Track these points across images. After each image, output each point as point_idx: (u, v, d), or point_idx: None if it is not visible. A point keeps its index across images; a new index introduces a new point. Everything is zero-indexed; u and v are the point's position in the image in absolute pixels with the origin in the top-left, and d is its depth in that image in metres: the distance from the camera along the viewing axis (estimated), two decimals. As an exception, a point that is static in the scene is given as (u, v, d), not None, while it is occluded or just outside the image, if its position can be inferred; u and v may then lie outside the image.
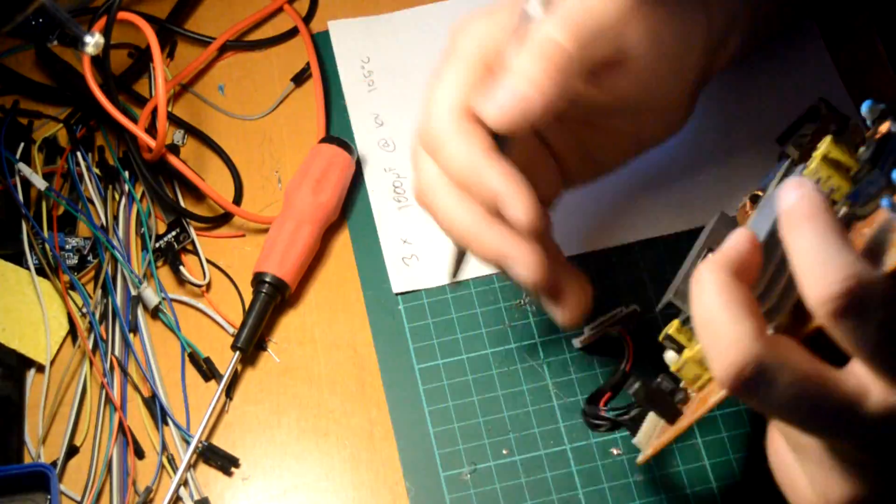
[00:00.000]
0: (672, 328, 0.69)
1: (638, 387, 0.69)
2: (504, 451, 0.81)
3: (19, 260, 0.87)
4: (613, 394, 0.79)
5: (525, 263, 0.70)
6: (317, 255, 0.88)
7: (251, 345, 0.84)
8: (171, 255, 0.88)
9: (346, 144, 0.89)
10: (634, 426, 0.73)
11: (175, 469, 0.81)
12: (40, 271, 0.86)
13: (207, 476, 0.81)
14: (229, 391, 0.84)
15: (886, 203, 0.59)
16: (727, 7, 0.77)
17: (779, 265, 0.61)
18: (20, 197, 0.88)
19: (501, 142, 0.70)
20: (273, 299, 0.85)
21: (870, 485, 0.58)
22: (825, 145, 0.66)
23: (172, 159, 0.89)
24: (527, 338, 0.84)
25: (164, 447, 0.81)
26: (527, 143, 0.74)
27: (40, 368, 0.84)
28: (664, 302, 0.72)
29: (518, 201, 0.68)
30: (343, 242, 0.89)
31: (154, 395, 0.83)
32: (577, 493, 0.79)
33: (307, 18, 0.98)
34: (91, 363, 0.84)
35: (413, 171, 0.73)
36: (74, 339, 0.85)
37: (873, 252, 0.58)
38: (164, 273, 0.88)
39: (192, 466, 0.81)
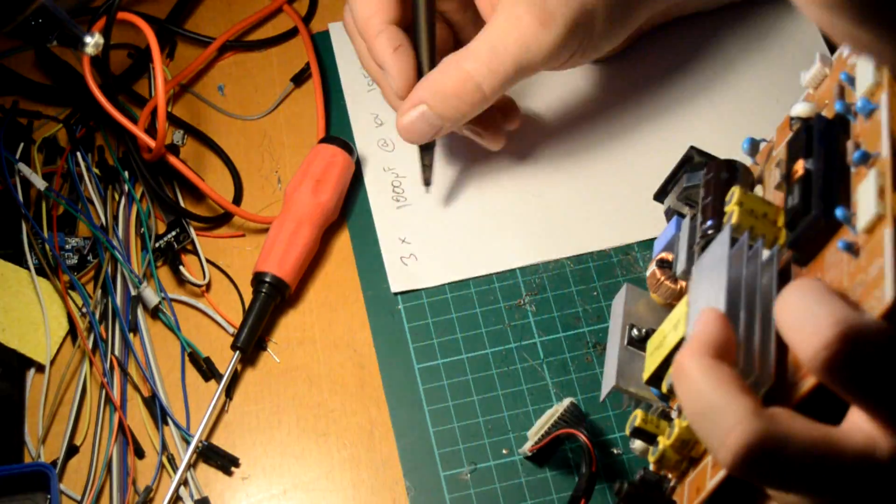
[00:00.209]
0: (638, 420, 0.68)
1: (626, 488, 0.67)
2: (504, 451, 0.81)
3: (19, 260, 0.87)
4: (587, 498, 0.75)
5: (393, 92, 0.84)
6: (317, 255, 0.88)
7: (251, 345, 0.84)
8: (170, 255, 0.88)
9: (346, 144, 0.89)
10: None
11: (175, 469, 0.81)
12: (40, 271, 0.86)
13: (207, 476, 0.81)
14: (229, 391, 0.84)
15: (842, 245, 0.59)
16: None
17: (747, 333, 0.61)
18: (20, 197, 0.88)
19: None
20: (273, 299, 0.85)
21: None
22: (737, 196, 0.65)
23: (172, 159, 0.89)
24: (527, 338, 0.84)
25: (164, 447, 0.81)
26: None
27: (40, 368, 0.84)
28: (608, 391, 0.71)
29: (394, 75, 0.83)
30: (343, 242, 0.89)
31: (154, 395, 0.83)
32: (576, 492, 0.79)
33: (307, 18, 0.98)
34: (91, 363, 0.84)
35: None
36: (74, 338, 0.85)
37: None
38: (164, 273, 0.88)
39: (192, 466, 0.81)
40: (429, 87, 0.82)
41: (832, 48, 0.93)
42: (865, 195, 0.59)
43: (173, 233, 0.88)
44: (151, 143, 0.88)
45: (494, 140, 0.88)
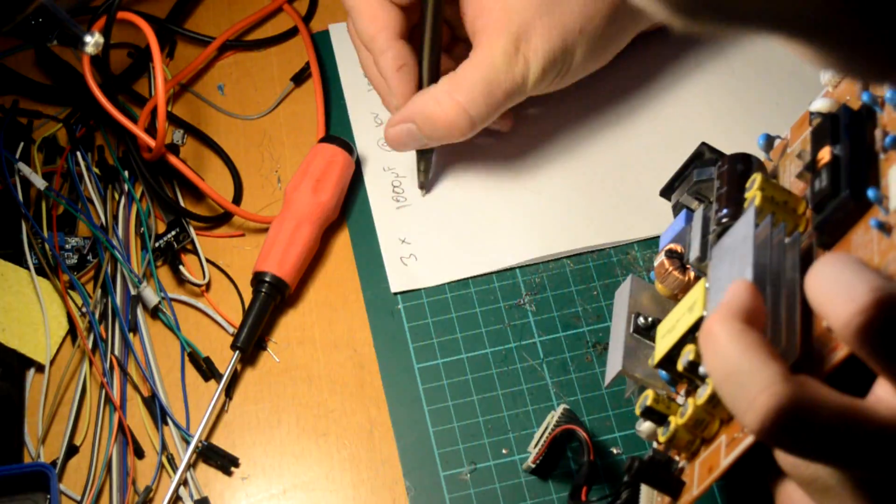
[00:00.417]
0: (650, 399, 0.67)
1: (636, 465, 0.66)
2: (504, 451, 0.81)
3: (19, 260, 0.87)
4: (589, 486, 0.76)
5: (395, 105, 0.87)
6: (316, 254, 0.88)
7: (251, 344, 0.84)
8: (170, 255, 0.88)
9: (346, 144, 0.89)
10: None
11: (175, 469, 0.81)
12: (40, 271, 0.86)
13: (207, 475, 0.81)
14: (229, 391, 0.84)
15: (875, 223, 0.59)
16: None
17: (773, 307, 0.61)
18: (20, 197, 0.88)
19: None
20: (273, 299, 0.85)
21: None
22: (759, 181, 0.66)
23: (172, 159, 0.89)
24: (527, 337, 0.84)
25: (164, 447, 0.81)
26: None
27: (40, 368, 0.84)
28: (613, 376, 0.71)
29: (392, 94, 0.86)
30: (343, 242, 0.89)
31: (154, 395, 0.83)
32: (576, 492, 0.79)
33: (307, 18, 0.98)
34: (91, 363, 0.84)
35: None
36: (74, 338, 0.85)
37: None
38: (164, 273, 0.88)
39: (191, 466, 0.81)
40: (420, 111, 0.84)
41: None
42: None
43: (173, 232, 0.88)
44: (151, 142, 0.88)
45: (501, 125, 0.90)
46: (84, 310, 0.85)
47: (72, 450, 0.82)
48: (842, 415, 0.55)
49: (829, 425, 0.55)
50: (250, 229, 0.90)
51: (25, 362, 0.84)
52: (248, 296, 0.86)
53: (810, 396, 0.55)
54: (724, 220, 0.67)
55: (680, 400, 0.69)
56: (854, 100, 0.67)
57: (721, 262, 0.65)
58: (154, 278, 0.87)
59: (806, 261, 0.63)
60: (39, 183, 0.89)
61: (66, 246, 0.88)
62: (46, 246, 0.87)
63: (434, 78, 0.85)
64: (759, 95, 0.92)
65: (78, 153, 0.91)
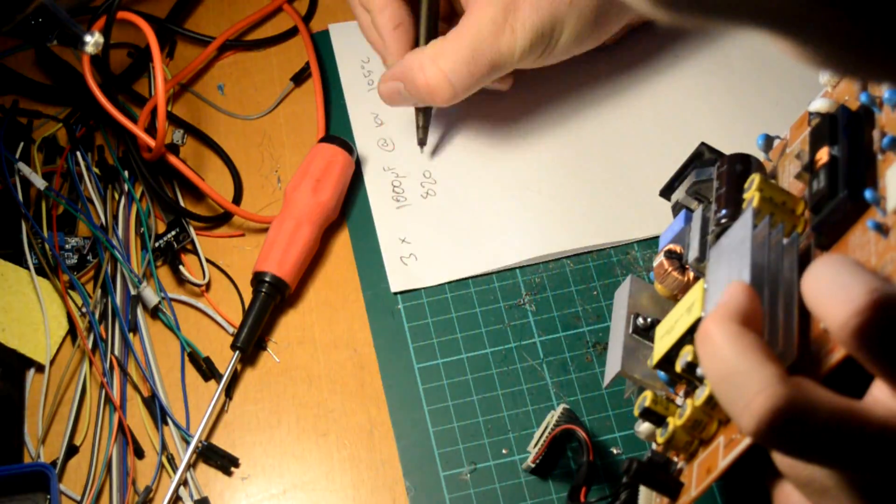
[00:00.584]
0: (648, 400, 0.67)
1: (635, 466, 0.66)
2: (504, 451, 0.81)
3: (19, 260, 0.87)
4: (588, 487, 0.75)
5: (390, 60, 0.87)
6: (316, 254, 0.88)
7: (251, 344, 0.84)
8: (170, 255, 0.88)
9: (346, 144, 0.89)
10: None
11: (175, 469, 0.81)
12: (40, 271, 0.86)
13: (207, 476, 0.81)
14: (229, 391, 0.84)
15: (872, 225, 0.59)
16: None
17: (771, 309, 0.61)
18: (20, 196, 0.88)
19: None
20: (273, 299, 0.85)
21: None
22: (757, 182, 0.66)
23: (172, 159, 0.89)
24: (527, 337, 0.84)
25: (164, 447, 0.81)
26: None
27: (40, 368, 0.84)
28: (612, 377, 0.71)
29: (387, 55, 0.88)
30: (343, 242, 0.89)
31: (154, 395, 0.83)
32: (576, 492, 0.79)
33: (307, 18, 0.98)
34: (91, 363, 0.83)
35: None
36: (74, 338, 0.85)
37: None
38: (164, 273, 0.88)
39: (191, 466, 0.81)
40: (405, 74, 0.85)
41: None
42: (895, 178, 0.60)
43: (173, 232, 0.88)
44: (151, 142, 0.88)
45: (501, 84, 0.90)
46: (84, 310, 0.85)
47: (72, 450, 0.82)
48: (838, 416, 0.55)
49: (825, 427, 0.54)
50: (250, 229, 0.90)
51: (25, 362, 0.84)
52: (248, 296, 0.86)
53: (806, 398, 0.55)
54: (723, 220, 0.67)
55: (679, 401, 0.69)
56: (853, 100, 0.67)
57: (719, 263, 0.65)
58: (154, 278, 0.87)
59: (804, 262, 0.63)
60: (39, 183, 0.89)
61: (66, 246, 0.88)
62: (46, 246, 0.87)
63: (428, 39, 0.87)
64: (759, 95, 0.92)
65: (78, 153, 0.91)
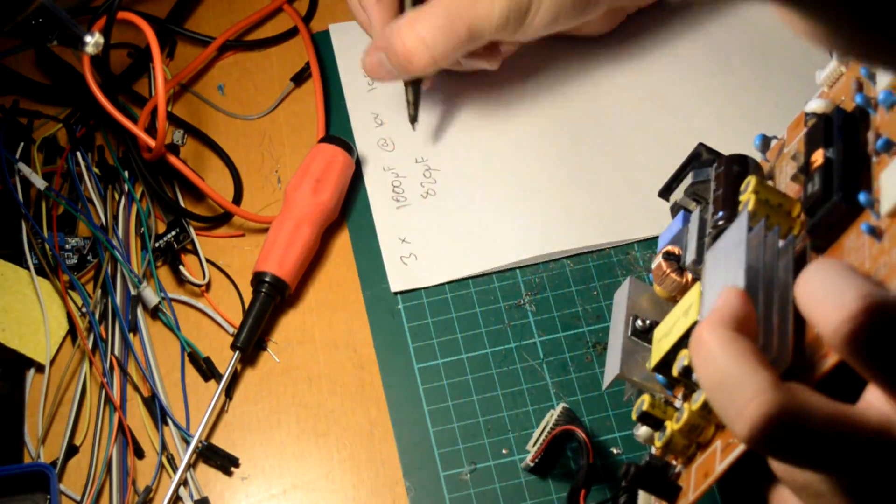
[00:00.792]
0: (646, 404, 0.67)
1: (632, 470, 0.66)
2: (504, 451, 0.81)
3: (19, 260, 0.87)
4: (588, 488, 0.75)
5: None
6: (316, 254, 0.88)
7: (251, 344, 0.84)
8: (170, 255, 0.88)
9: (346, 144, 0.89)
10: None
11: (175, 469, 0.81)
12: (40, 271, 0.86)
13: (207, 476, 0.81)
14: (229, 391, 0.84)
15: (866, 228, 0.59)
16: None
17: (765, 313, 0.61)
18: (20, 197, 0.88)
19: None
20: (273, 299, 0.85)
21: None
22: (753, 184, 0.66)
23: (172, 159, 0.89)
24: (527, 337, 0.84)
25: (164, 447, 0.81)
26: None
27: (40, 368, 0.84)
28: (611, 380, 0.71)
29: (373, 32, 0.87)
30: (343, 242, 0.89)
31: (154, 395, 0.83)
32: (576, 492, 0.79)
33: (307, 18, 0.98)
34: (91, 363, 0.84)
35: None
36: (74, 338, 0.85)
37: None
38: (164, 273, 0.88)
39: (191, 466, 0.81)
40: (386, 41, 0.85)
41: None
42: (889, 181, 0.59)
43: (173, 232, 0.88)
44: (151, 142, 0.88)
45: (489, 63, 0.90)
46: (84, 310, 0.85)
47: (72, 450, 0.82)
48: (832, 422, 0.55)
49: (818, 433, 0.54)
50: (250, 229, 0.90)
51: (25, 362, 0.84)
52: (248, 296, 0.86)
53: (800, 404, 0.54)
54: (720, 222, 0.67)
55: (677, 404, 0.69)
56: (849, 101, 0.67)
57: (715, 267, 0.65)
58: (154, 278, 0.87)
59: (799, 264, 0.63)
60: (39, 183, 0.89)
61: (66, 246, 0.88)
62: (46, 246, 0.87)
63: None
64: (758, 95, 0.92)
65: (78, 153, 0.91)
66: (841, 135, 0.63)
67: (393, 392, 0.83)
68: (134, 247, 0.88)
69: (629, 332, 0.71)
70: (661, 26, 0.95)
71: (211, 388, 0.84)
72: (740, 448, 0.62)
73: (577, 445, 0.79)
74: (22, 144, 0.91)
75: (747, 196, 0.66)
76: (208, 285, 0.87)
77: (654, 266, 0.72)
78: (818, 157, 0.63)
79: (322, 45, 0.96)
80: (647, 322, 0.72)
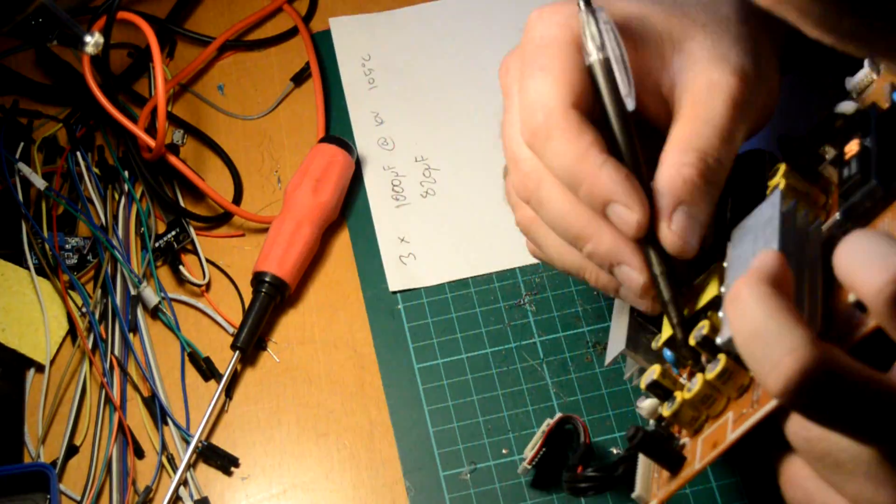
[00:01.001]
0: (657, 373, 0.67)
1: (640, 435, 0.66)
2: (504, 451, 0.81)
3: (19, 260, 0.87)
4: (585, 465, 0.75)
5: (639, 267, 0.67)
6: (316, 254, 0.88)
7: (251, 344, 0.84)
8: (170, 255, 0.88)
9: (346, 144, 0.89)
10: (629, 481, 0.70)
11: (175, 469, 0.81)
12: (40, 271, 0.86)
13: (207, 476, 0.81)
14: (229, 391, 0.84)
15: None
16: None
17: (797, 282, 0.61)
18: (20, 197, 0.88)
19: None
20: (273, 299, 0.85)
21: None
22: (783, 170, 0.67)
23: (172, 159, 0.89)
24: (526, 337, 0.84)
25: (164, 447, 0.81)
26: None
27: (40, 368, 0.84)
28: (616, 355, 0.70)
29: (634, 203, 0.66)
30: (343, 242, 0.89)
31: (154, 395, 0.83)
32: (576, 492, 0.79)
33: (307, 18, 0.98)
34: (91, 363, 0.84)
35: (510, 166, 0.70)
36: (74, 338, 0.85)
37: None
38: (164, 273, 0.88)
39: (191, 466, 0.81)
40: (675, 181, 0.67)
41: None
42: None
43: (173, 232, 0.88)
44: (151, 142, 0.88)
45: None
46: (84, 310, 0.85)
47: (72, 450, 0.82)
48: (867, 384, 0.54)
49: (855, 393, 0.54)
50: (250, 229, 0.90)
51: (25, 362, 0.84)
52: (248, 296, 0.86)
53: (837, 362, 0.54)
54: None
55: (683, 380, 0.69)
56: (882, 102, 0.67)
57: (742, 241, 0.66)
58: (154, 278, 0.87)
59: (826, 249, 0.63)
60: (39, 183, 0.89)
61: (66, 246, 0.88)
62: (46, 246, 0.87)
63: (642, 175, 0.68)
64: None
65: (78, 153, 0.91)
66: (878, 125, 0.64)
67: (393, 392, 0.83)
68: (134, 247, 0.88)
69: (635, 313, 0.71)
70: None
71: (211, 388, 0.84)
72: (756, 416, 0.62)
73: (576, 446, 0.79)
74: (22, 144, 0.91)
75: (777, 180, 0.66)
76: (208, 285, 0.87)
77: None
78: (853, 146, 0.64)
79: (322, 45, 0.96)
80: None
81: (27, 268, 0.86)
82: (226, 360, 0.83)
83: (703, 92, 0.68)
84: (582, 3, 0.67)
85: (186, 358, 0.85)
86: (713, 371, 0.64)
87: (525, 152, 0.69)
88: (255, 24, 0.98)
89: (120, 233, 0.88)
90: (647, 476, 0.69)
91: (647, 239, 0.67)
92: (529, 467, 0.78)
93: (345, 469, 0.81)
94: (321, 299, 0.87)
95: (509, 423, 0.81)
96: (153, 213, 0.89)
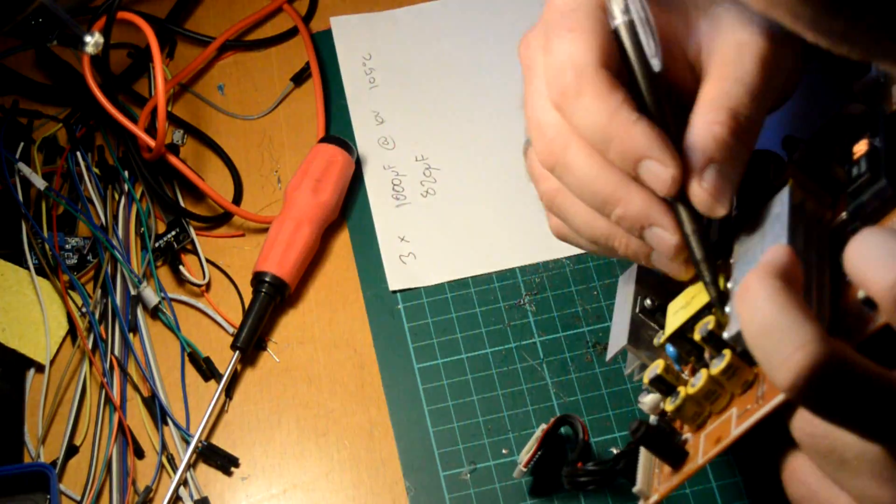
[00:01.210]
0: (660, 368, 0.67)
1: (643, 428, 0.66)
2: (504, 451, 0.81)
3: (19, 260, 0.87)
4: (584, 461, 0.75)
5: (672, 227, 0.66)
6: (316, 254, 0.88)
7: (251, 344, 0.84)
8: (170, 255, 0.88)
9: (346, 144, 0.89)
10: (629, 475, 0.70)
11: (175, 469, 0.81)
12: (40, 271, 0.86)
13: (207, 475, 0.81)
14: (229, 391, 0.84)
15: None
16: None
17: (806, 278, 0.61)
18: (20, 197, 0.88)
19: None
20: (273, 299, 0.85)
21: None
22: (789, 172, 0.67)
23: (172, 159, 0.89)
24: (526, 337, 0.84)
25: (164, 447, 0.81)
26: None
27: (40, 368, 0.84)
28: (617, 350, 0.70)
29: (668, 157, 0.64)
30: (343, 242, 0.89)
31: (154, 395, 0.83)
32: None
33: (307, 18, 0.98)
34: (91, 363, 0.84)
35: (534, 135, 0.69)
36: (74, 338, 0.85)
37: None
38: (164, 273, 0.88)
39: (191, 466, 0.81)
40: (707, 139, 0.66)
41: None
42: None
43: (173, 232, 0.88)
44: (151, 142, 0.88)
45: None
46: (84, 310, 0.85)
47: (72, 450, 0.82)
48: (876, 381, 0.54)
49: (862, 389, 0.54)
50: (250, 229, 0.90)
51: (25, 362, 0.84)
52: (248, 296, 0.86)
53: (846, 359, 0.54)
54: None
55: (685, 375, 0.69)
56: (889, 105, 0.67)
57: (750, 238, 0.66)
58: (154, 278, 0.87)
59: (834, 248, 0.63)
60: (39, 183, 0.89)
61: (66, 246, 0.88)
62: (46, 246, 0.87)
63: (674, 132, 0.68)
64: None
65: (78, 153, 0.91)
66: (886, 125, 0.64)
67: (393, 392, 0.83)
68: (134, 247, 0.88)
69: (637, 309, 0.71)
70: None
71: (211, 388, 0.84)
72: (761, 412, 0.62)
73: (572, 448, 0.79)
74: (22, 144, 0.91)
75: (785, 178, 0.66)
76: (208, 285, 0.87)
77: None
78: (862, 146, 0.64)
79: (322, 45, 0.96)
80: (656, 303, 0.71)
81: (27, 268, 0.86)
82: (226, 360, 0.83)
83: (733, 52, 0.67)
84: None
85: (186, 358, 0.85)
86: (718, 366, 0.64)
87: (551, 117, 0.67)
88: (255, 24, 0.98)
89: (120, 233, 0.88)
90: (649, 471, 0.69)
91: (678, 198, 0.65)
92: (525, 470, 0.78)
93: (345, 469, 0.81)
94: (321, 299, 0.87)
95: (509, 423, 0.81)
96: (153, 213, 0.89)
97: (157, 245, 0.87)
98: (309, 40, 0.96)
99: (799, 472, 0.61)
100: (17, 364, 0.84)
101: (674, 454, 0.66)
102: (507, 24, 0.96)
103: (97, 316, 0.85)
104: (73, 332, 0.85)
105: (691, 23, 0.69)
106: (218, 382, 0.83)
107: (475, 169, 0.91)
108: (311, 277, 0.87)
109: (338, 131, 0.92)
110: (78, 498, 0.80)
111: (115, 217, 0.89)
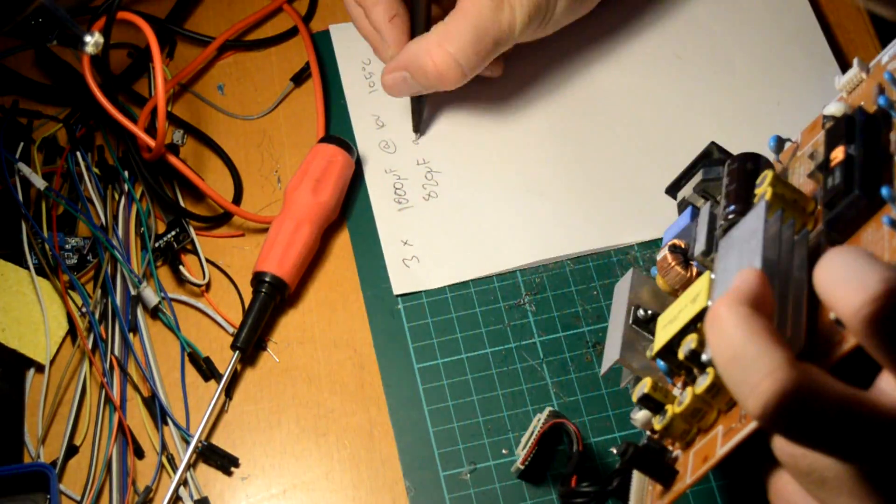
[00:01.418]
0: (647, 386, 0.67)
1: (631, 451, 0.66)
2: (504, 451, 0.81)
3: (19, 260, 0.87)
4: (579, 476, 0.76)
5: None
6: (316, 254, 0.88)
7: (251, 344, 0.84)
8: (170, 255, 0.88)
9: (346, 144, 0.89)
10: (623, 494, 0.70)
11: (175, 469, 0.81)
12: (40, 271, 0.86)
13: (207, 475, 0.81)
14: (229, 391, 0.84)
15: (887, 221, 0.60)
16: None
17: (781, 298, 0.61)
18: (20, 197, 0.88)
19: None
20: (272, 299, 0.85)
21: None
22: (770, 178, 0.66)
23: (172, 159, 0.89)
24: (526, 337, 0.84)
25: (164, 447, 0.81)
26: None
27: (40, 368, 0.84)
28: (610, 365, 0.70)
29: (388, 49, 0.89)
30: (343, 242, 0.89)
31: (154, 395, 0.83)
32: (576, 492, 0.79)
33: (307, 18, 0.98)
34: (91, 363, 0.84)
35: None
36: (74, 338, 0.85)
37: None
38: (164, 273, 0.88)
39: (191, 466, 0.81)
40: (413, 61, 0.87)
41: (835, 50, 0.93)
42: None
43: (173, 232, 0.88)
44: (151, 142, 0.88)
45: (492, 71, 0.92)
46: (84, 310, 0.85)
47: (72, 450, 0.82)
48: (845, 404, 0.54)
49: (832, 414, 0.54)
50: (250, 229, 0.90)
51: (25, 362, 0.84)
52: (248, 296, 0.86)
53: (814, 383, 0.54)
54: (731, 216, 0.68)
55: (677, 392, 0.69)
56: (869, 104, 0.67)
57: (728, 254, 0.65)
58: (154, 278, 0.87)
59: (813, 259, 0.63)
60: (39, 183, 0.89)
61: (66, 246, 0.88)
62: (46, 246, 0.87)
63: (426, 27, 0.88)
64: (761, 96, 0.92)
65: (78, 153, 0.91)
66: (863, 132, 0.64)
67: (393, 392, 0.83)
68: (134, 247, 0.88)
69: (630, 321, 0.71)
70: (663, 27, 0.95)
71: (211, 388, 0.84)
72: (744, 431, 0.62)
73: (566, 447, 0.79)
74: (22, 144, 0.91)
75: (764, 188, 0.66)
76: (208, 285, 0.87)
77: (659, 258, 0.72)
78: (838, 153, 0.64)
79: (322, 45, 0.96)
80: (649, 313, 0.72)
81: (27, 268, 0.86)
82: (226, 360, 0.84)
83: None
84: None
85: (186, 358, 0.85)
86: (702, 385, 0.64)
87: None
88: (255, 24, 0.98)
89: (120, 233, 0.88)
90: (642, 489, 0.69)
91: None
92: (522, 467, 0.78)
93: (345, 469, 0.81)
94: (321, 299, 0.87)
95: (509, 423, 0.81)
96: (153, 213, 0.89)
97: (157, 245, 0.87)
98: (309, 40, 0.96)
99: (784, 490, 0.61)
100: (17, 364, 0.84)
101: (664, 473, 0.66)
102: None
103: (97, 316, 0.85)
104: (73, 332, 0.85)
105: None
106: (218, 382, 0.83)
107: (476, 172, 0.91)
108: (311, 277, 0.87)
109: (338, 131, 0.92)
110: (78, 498, 0.80)
111: (115, 217, 0.89)
